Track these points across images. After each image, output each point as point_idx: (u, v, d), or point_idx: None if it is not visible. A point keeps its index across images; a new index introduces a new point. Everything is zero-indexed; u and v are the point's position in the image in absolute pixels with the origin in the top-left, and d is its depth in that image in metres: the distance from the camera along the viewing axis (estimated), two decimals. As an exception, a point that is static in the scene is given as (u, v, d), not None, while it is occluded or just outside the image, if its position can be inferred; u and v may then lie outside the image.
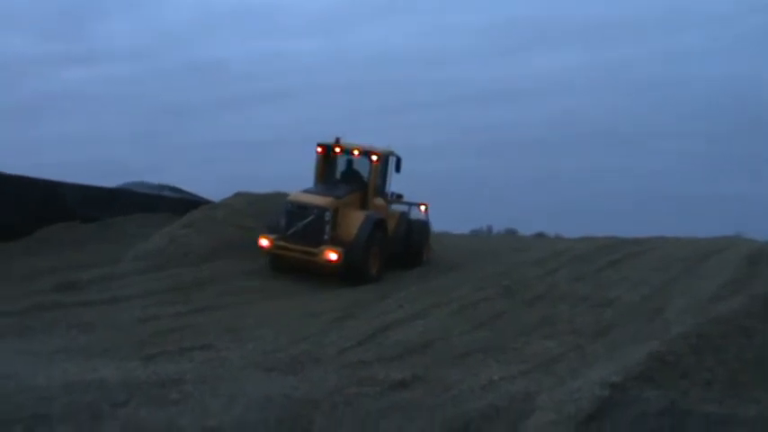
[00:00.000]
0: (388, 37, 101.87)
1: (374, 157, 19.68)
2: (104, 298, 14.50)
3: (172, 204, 25.67)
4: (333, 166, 20.60)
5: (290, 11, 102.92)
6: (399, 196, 21.06)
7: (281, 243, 17.92)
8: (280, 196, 23.00)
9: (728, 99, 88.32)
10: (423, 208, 21.65)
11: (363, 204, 19.44)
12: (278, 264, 18.55)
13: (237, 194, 23.39)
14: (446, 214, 23.46)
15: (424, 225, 21.37)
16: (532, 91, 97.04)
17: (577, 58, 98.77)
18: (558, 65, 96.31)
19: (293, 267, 18.27)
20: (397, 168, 20.32)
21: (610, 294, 15.07)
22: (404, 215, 21.05)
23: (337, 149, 19.90)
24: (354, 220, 18.45)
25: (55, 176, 21.78)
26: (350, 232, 18.21)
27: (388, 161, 20.30)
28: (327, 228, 17.97)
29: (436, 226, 23.28)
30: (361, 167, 20.38)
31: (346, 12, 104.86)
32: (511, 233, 44.29)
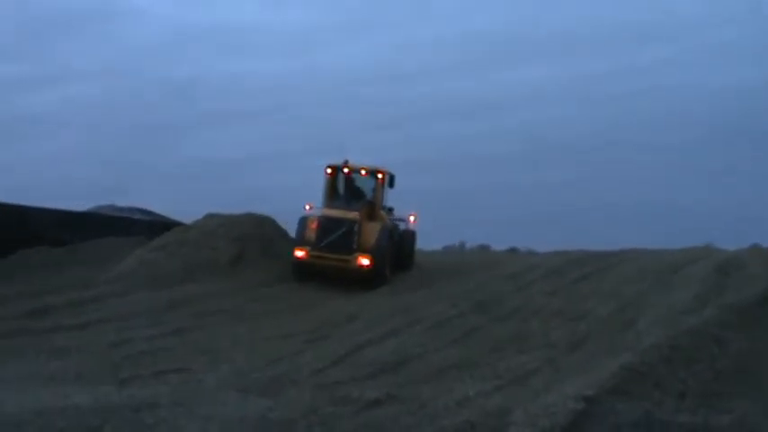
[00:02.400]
0: (357, 55, 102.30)
1: (380, 176, 22.80)
2: (77, 323, 14.37)
3: (143, 227, 25.64)
4: (337, 184, 23.30)
5: (261, 31, 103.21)
6: (391, 209, 23.58)
7: (316, 253, 20.76)
8: (251, 217, 23.15)
9: (696, 110, 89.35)
10: (412, 218, 23.73)
11: (371, 217, 22.21)
12: (307, 272, 21.01)
13: (208, 215, 23.39)
14: (418, 231, 24.16)
15: (412, 234, 23.89)
16: (500, 105, 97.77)
17: (543, 71, 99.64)
18: (525, 79, 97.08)
19: (320, 274, 20.86)
20: (391, 184, 23.08)
21: (582, 308, 15.13)
22: (396, 225, 23.39)
23: (346, 170, 22.89)
24: (371, 231, 21.30)
25: (23, 200, 21.68)
26: (369, 241, 20.98)
27: (387, 179, 22.96)
28: (356, 238, 20.89)
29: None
30: (362, 184, 23.47)
31: (315, 31, 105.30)
32: (483, 249, 44.38)
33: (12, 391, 9.18)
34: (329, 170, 22.84)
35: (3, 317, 14.52)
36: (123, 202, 31.19)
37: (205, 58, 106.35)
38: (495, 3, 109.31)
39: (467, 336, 13.37)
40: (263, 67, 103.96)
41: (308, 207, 22.23)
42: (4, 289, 17.02)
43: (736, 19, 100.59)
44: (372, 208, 22.59)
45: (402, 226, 23.85)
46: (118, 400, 8.69)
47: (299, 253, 20.87)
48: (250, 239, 22.62)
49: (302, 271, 21.11)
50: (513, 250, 40.72)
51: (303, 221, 21.60)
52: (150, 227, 25.62)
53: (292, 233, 23.43)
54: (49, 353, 12.00)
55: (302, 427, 8.00)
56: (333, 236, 20.77)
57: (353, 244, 20.80)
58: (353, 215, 21.21)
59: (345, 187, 23.44)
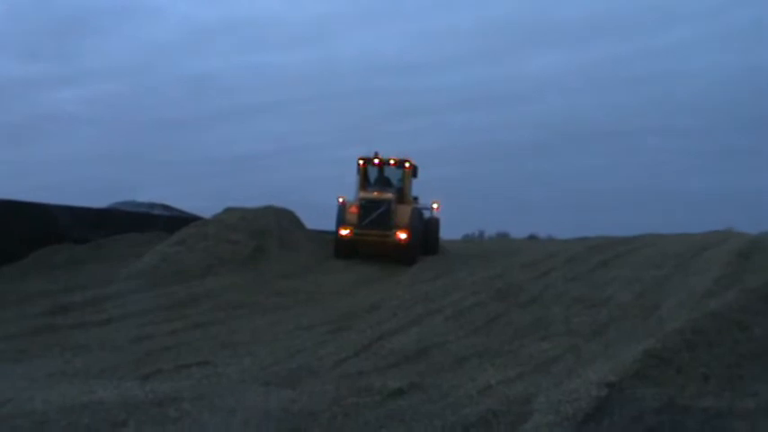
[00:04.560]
0: (373, 45, 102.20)
1: (407, 165, 25.71)
2: (99, 319, 14.46)
3: (163, 222, 25.74)
4: (369, 174, 26.09)
5: (277, 23, 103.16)
6: (416, 198, 26.11)
7: (359, 231, 23.47)
8: (270, 210, 23.28)
9: (715, 93, 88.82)
10: (435, 206, 26.21)
11: (401, 201, 24.75)
12: (350, 249, 23.75)
13: (228, 210, 23.52)
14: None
15: (436, 221, 26.26)
16: (519, 93, 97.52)
17: (562, 58, 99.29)
18: (543, 66, 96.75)
19: (362, 250, 23.75)
20: (415, 175, 25.94)
21: (603, 294, 15.11)
22: (422, 212, 25.63)
23: (376, 161, 25.70)
24: (404, 212, 23.98)
25: (44, 198, 21.82)
26: (403, 220, 23.62)
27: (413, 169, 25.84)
28: (393, 216, 23.54)
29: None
30: (390, 174, 26.17)
31: (332, 22, 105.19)
32: (503, 237, 44.38)
33: (37, 388, 9.24)
34: (361, 161, 25.69)
35: (27, 315, 14.65)
36: (143, 197, 31.35)
37: (222, 52, 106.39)
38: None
39: (488, 324, 13.36)
40: (280, 60, 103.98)
41: (341, 199, 24.62)
42: (28, 287, 17.16)
43: (749, 1, 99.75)
44: (402, 194, 25.15)
45: (426, 214, 25.95)
46: (141, 395, 8.72)
47: (344, 231, 23.63)
48: (269, 232, 22.71)
49: (346, 248, 23.77)
50: (532, 238, 40.70)
51: (342, 207, 24.24)
52: (170, 222, 25.71)
53: (312, 223, 26.22)
54: (72, 349, 12.07)
55: (325, 417, 8.01)
56: (374, 214, 23.43)
57: (391, 221, 23.43)
58: (389, 196, 23.92)
59: (376, 177, 26.07)
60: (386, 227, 23.41)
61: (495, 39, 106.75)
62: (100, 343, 12.56)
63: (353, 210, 23.96)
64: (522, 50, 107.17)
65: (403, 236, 23.28)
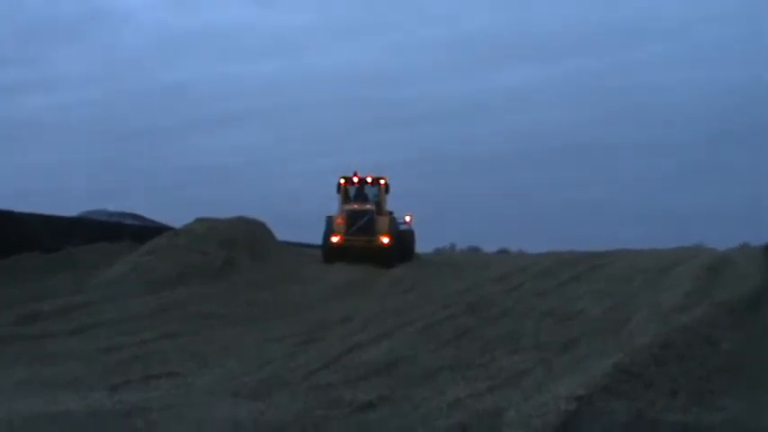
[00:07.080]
0: (349, 57, 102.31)
1: (382, 182, 29.37)
2: (68, 328, 14.34)
3: (133, 232, 25.62)
4: (349, 191, 29.29)
5: (251, 33, 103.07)
6: (391, 213, 28.79)
7: (348, 237, 26.74)
8: (241, 221, 23.28)
9: (685, 108, 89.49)
10: (408, 218, 29.37)
11: (379, 213, 27.84)
12: (339, 255, 26.30)
13: (199, 220, 23.46)
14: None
15: (411, 232, 29.55)
16: (490, 107, 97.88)
17: (535, 72, 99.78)
18: (515, 80, 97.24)
19: (349, 255, 26.08)
20: (387, 190, 29.36)
21: (574, 308, 15.13)
22: (398, 223, 28.68)
23: (355, 179, 29.17)
24: (383, 221, 27.50)
25: (14, 206, 21.63)
26: (383, 228, 27.14)
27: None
28: (375, 224, 26.94)
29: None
30: (368, 190, 29.30)
31: (307, 33, 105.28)
32: (474, 250, 44.48)
33: (3, 397, 9.14)
34: (343, 180, 29.06)
35: (-6, 323, 14.50)
36: (114, 206, 31.26)
37: (197, 61, 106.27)
38: (484, 5, 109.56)
39: (459, 337, 13.35)
40: (254, 70, 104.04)
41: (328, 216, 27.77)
42: (-4, 295, 16.99)
43: (720, 18, 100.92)
44: (379, 206, 28.32)
45: (402, 227, 28.89)
46: (109, 406, 8.65)
47: (335, 239, 26.85)
48: (240, 243, 22.70)
49: (336, 253, 26.54)
50: (503, 251, 40.80)
51: (329, 219, 27.68)
52: (141, 231, 25.60)
53: (283, 235, 27.95)
54: (40, 359, 11.94)
55: (294, 429, 7.98)
56: (360, 222, 26.84)
57: (374, 228, 26.89)
58: (370, 207, 27.60)
59: (355, 193, 29.32)
60: (371, 233, 26.82)
61: (469, 52, 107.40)
62: (69, 353, 12.44)
63: (340, 220, 27.32)
64: (495, 64, 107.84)
65: (386, 240, 26.75)
